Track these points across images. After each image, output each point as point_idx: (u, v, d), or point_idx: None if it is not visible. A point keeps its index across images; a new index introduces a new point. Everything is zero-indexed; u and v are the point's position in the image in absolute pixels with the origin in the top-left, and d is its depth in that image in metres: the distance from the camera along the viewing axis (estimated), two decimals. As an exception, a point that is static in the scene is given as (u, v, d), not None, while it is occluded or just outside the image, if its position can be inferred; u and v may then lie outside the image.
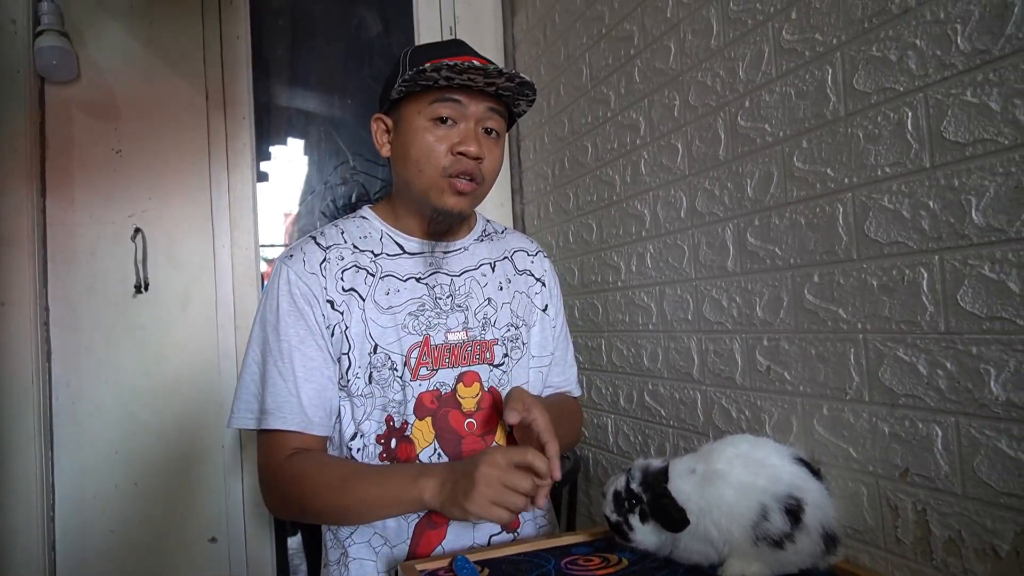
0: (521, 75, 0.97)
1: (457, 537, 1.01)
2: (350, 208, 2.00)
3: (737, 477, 0.83)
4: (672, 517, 0.83)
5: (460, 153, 0.99)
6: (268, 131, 1.96)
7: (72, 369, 1.65)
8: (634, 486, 0.89)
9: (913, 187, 0.78)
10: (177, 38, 1.77)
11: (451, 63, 0.93)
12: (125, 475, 1.67)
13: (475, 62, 0.93)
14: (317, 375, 1.01)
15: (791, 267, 0.96)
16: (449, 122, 1.00)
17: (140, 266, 1.70)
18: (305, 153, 2.04)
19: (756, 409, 1.05)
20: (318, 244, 1.06)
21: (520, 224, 1.94)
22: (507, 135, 1.11)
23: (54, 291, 1.65)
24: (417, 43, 1.97)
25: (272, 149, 1.99)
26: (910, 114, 0.78)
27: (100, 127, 1.70)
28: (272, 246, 2.00)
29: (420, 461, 1.01)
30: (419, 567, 0.90)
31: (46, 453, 1.61)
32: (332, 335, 1.02)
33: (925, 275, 0.77)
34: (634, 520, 0.89)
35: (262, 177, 1.92)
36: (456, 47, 1.02)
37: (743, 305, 1.07)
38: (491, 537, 1.04)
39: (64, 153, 1.67)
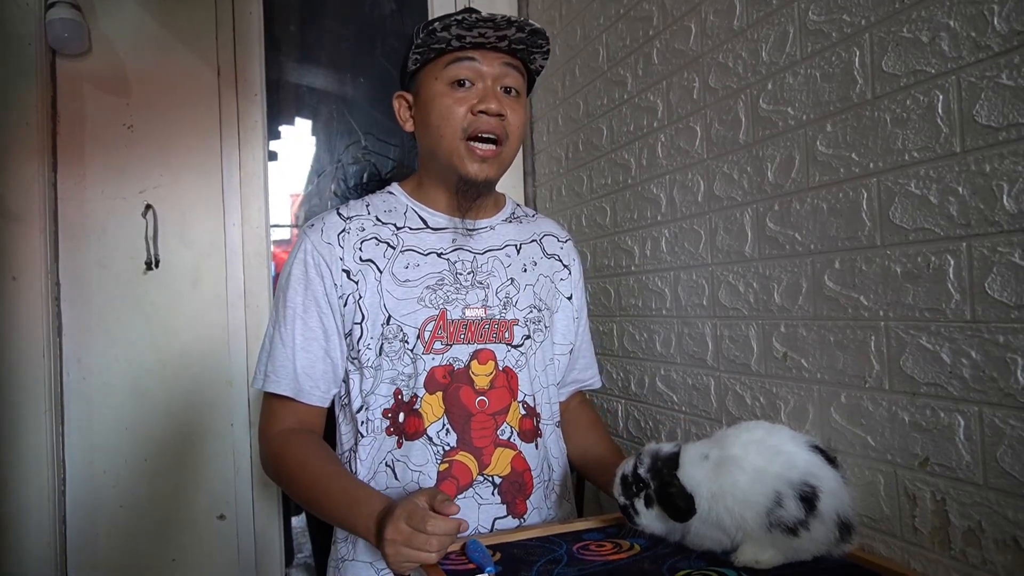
0: (531, 23, 0.98)
1: (462, 516, 1.01)
2: (361, 188, 1.99)
3: (751, 463, 0.82)
4: (677, 507, 0.82)
5: (481, 112, 0.99)
6: (279, 109, 1.94)
7: (82, 345, 1.65)
8: (641, 471, 0.88)
9: (942, 172, 0.76)
10: (189, 12, 1.74)
11: (459, 18, 0.95)
12: (135, 451, 1.68)
13: (483, 14, 0.95)
14: (315, 346, 1.04)
15: (811, 253, 0.95)
16: (467, 84, 1.01)
17: (151, 243, 1.70)
18: (314, 133, 2.03)
19: (771, 396, 1.04)
20: (340, 215, 1.08)
21: (531, 207, 1.92)
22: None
23: (65, 266, 1.65)
24: (431, 22, 1.96)
25: (281, 128, 1.98)
26: (941, 97, 0.76)
27: (112, 101, 1.68)
28: (282, 226, 1.99)
29: (428, 436, 1.01)
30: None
31: (57, 428, 1.61)
32: (345, 305, 1.04)
33: (952, 262, 0.75)
34: (639, 504, 0.88)
35: (272, 156, 1.91)
36: (468, 12, 1.02)
37: (760, 291, 1.05)
38: (495, 520, 1.03)
39: (75, 127, 1.66)
